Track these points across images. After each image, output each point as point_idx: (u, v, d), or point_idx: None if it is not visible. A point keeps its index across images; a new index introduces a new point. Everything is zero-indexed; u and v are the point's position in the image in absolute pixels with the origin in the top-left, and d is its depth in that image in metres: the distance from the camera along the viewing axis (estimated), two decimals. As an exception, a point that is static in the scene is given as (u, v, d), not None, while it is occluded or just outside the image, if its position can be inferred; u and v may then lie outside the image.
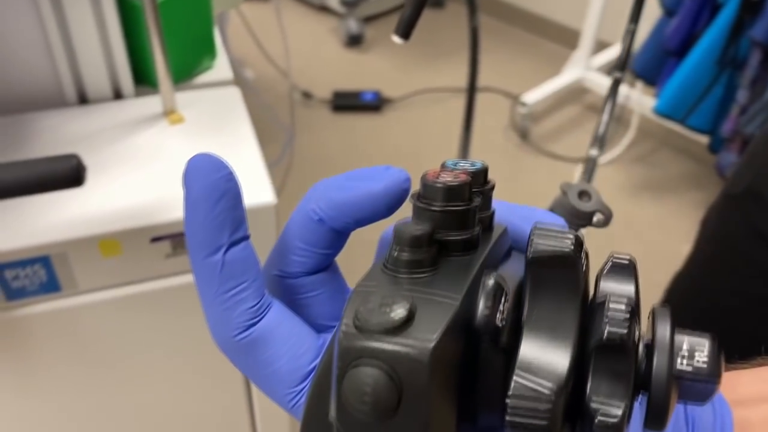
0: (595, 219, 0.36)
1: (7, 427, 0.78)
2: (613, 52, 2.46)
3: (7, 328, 0.71)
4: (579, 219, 0.36)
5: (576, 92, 2.48)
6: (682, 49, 1.93)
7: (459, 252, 0.23)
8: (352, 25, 2.63)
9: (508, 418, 0.20)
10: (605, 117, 0.56)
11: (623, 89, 2.28)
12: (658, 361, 0.21)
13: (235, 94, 0.87)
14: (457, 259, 0.23)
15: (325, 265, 0.26)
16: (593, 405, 0.20)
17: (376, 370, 0.18)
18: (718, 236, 0.98)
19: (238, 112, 0.83)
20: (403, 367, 0.18)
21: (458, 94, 2.34)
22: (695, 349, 0.21)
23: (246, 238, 0.24)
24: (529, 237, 0.22)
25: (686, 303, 1.07)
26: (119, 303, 0.73)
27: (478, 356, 0.21)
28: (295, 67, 2.39)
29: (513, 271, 0.25)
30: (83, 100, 0.83)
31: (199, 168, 0.23)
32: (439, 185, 0.23)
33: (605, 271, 0.23)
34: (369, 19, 2.76)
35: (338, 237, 0.25)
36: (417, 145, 2.26)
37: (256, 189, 0.73)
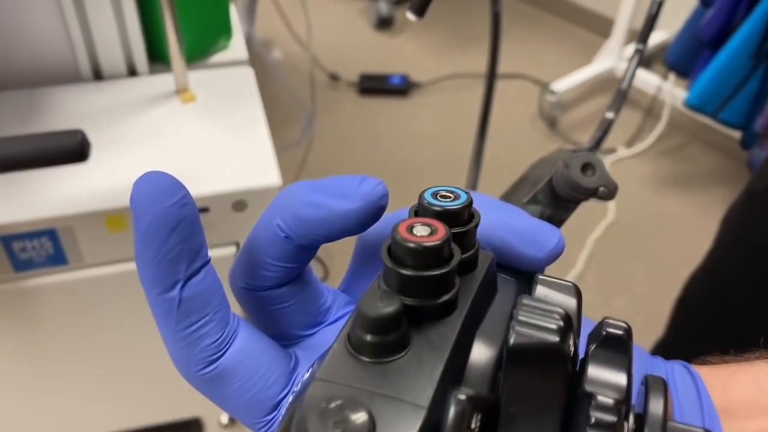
0: (599, 191, 0.33)
1: (11, 394, 0.80)
2: (648, 43, 2.41)
3: (15, 299, 0.72)
4: (581, 194, 0.33)
5: (607, 82, 2.43)
6: (717, 41, 1.88)
7: (434, 318, 0.21)
8: (383, 8, 2.61)
9: None
10: (624, 85, 0.54)
11: (654, 80, 2.23)
12: None
13: (248, 74, 0.87)
14: (431, 329, 0.21)
15: (295, 276, 0.25)
16: None
17: None
18: (739, 233, 0.96)
19: (250, 93, 0.84)
20: None
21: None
22: None
23: (206, 264, 0.22)
24: (511, 318, 0.20)
25: (704, 299, 1.05)
26: (124, 278, 0.74)
27: None
28: (323, 48, 2.39)
29: (497, 320, 0.23)
30: (98, 76, 0.84)
31: (148, 194, 0.21)
32: (411, 246, 0.20)
33: (596, 348, 0.21)
34: (400, 2, 2.74)
35: (307, 252, 0.24)
36: (442, 131, 2.24)
37: (263, 171, 0.73)
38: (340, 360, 0.20)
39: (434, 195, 0.23)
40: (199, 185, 0.70)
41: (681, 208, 2.05)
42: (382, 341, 0.19)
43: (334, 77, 2.35)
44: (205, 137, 0.77)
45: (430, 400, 0.18)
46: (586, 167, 0.33)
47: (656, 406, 0.20)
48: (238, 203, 0.71)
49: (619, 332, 0.21)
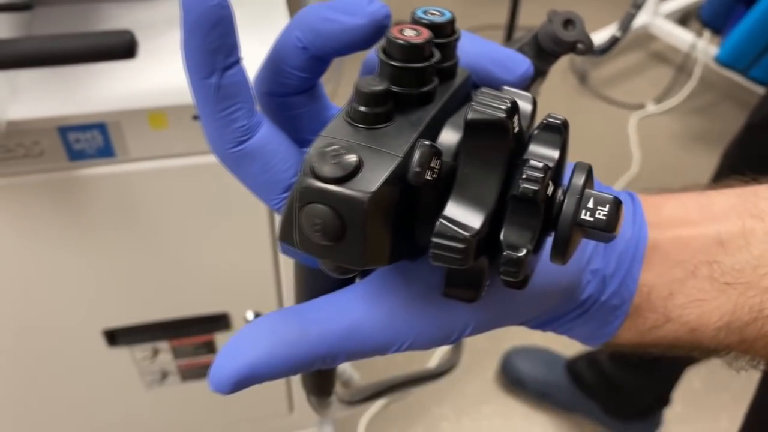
0: (577, 47, 0.40)
1: (59, 276, 0.90)
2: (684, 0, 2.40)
3: (69, 187, 0.82)
4: (560, 47, 0.39)
5: (641, 38, 2.44)
6: (751, -4, 1.88)
7: (415, 105, 0.26)
8: (421, -40, 2.64)
9: (431, 249, 0.24)
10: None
11: (688, 37, 2.23)
12: (566, 208, 0.25)
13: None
14: (412, 112, 0.26)
15: (310, 86, 0.29)
16: (504, 246, 0.25)
17: (326, 208, 0.23)
18: (736, 166, 1.00)
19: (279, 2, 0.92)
20: (346, 208, 0.23)
21: (523, 32, 2.33)
22: (598, 205, 0.25)
23: (238, 62, 0.26)
24: (470, 102, 0.25)
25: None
26: (165, 173, 0.83)
27: (418, 195, 0.25)
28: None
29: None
30: (146, -7, 0.92)
31: None
32: (400, 42, 0.25)
33: (536, 132, 0.26)
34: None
35: (320, 63, 0.28)
36: (473, 81, 2.28)
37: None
38: (339, 124, 0.26)
39: (425, 12, 0.28)
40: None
41: (707, 165, 2.07)
42: (372, 112, 0.25)
43: (369, 26, 2.40)
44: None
45: (405, 152, 0.24)
46: (567, 23, 0.39)
47: (578, 179, 0.26)
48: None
49: (557, 121, 0.26)
